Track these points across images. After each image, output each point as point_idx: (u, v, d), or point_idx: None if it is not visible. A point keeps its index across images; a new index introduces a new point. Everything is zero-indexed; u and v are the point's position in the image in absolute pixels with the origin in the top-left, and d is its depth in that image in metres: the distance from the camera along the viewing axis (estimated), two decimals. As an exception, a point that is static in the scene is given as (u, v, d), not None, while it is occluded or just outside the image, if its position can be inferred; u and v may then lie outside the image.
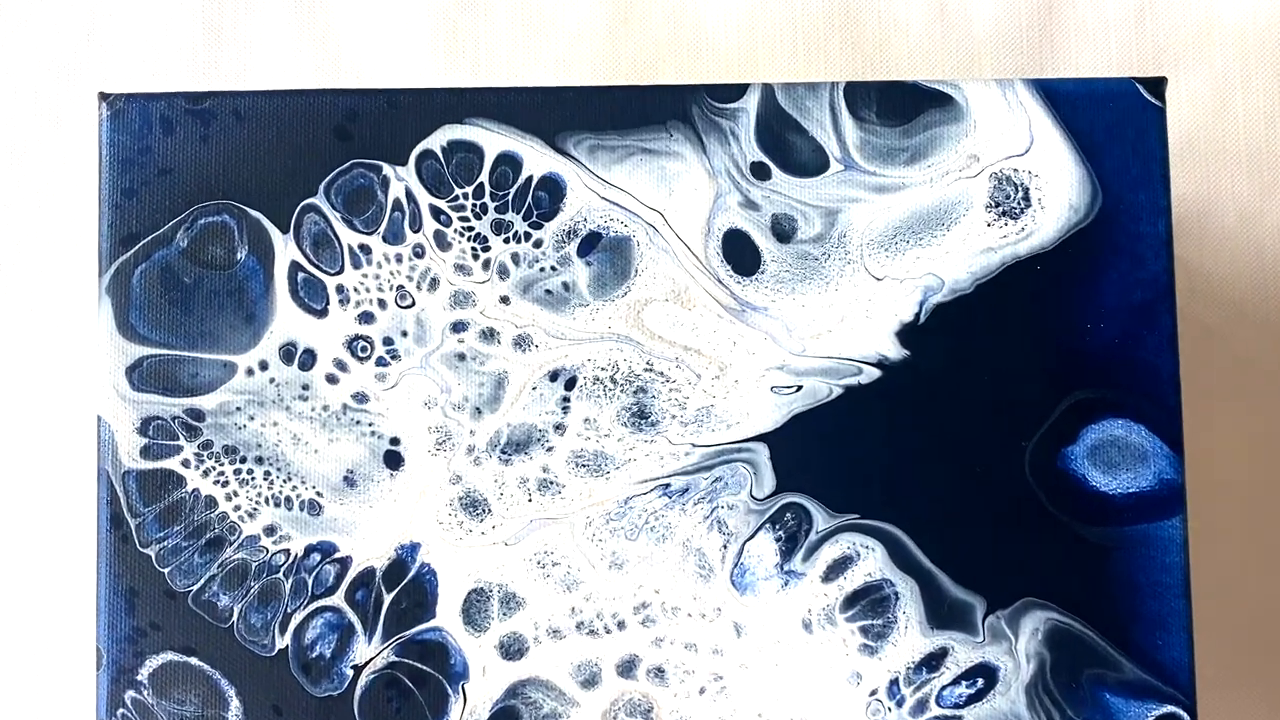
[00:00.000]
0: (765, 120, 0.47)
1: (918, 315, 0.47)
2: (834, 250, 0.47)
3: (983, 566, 0.46)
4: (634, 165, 0.47)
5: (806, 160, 0.47)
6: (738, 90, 0.46)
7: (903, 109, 0.47)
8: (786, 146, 0.47)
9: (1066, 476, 0.46)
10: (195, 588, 0.46)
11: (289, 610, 0.47)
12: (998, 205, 0.47)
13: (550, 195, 0.47)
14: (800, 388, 0.47)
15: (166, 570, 0.46)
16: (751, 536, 0.47)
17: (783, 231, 0.47)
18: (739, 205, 0.47)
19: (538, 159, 0.47)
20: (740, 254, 0.47)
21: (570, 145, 0.47)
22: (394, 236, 0.47)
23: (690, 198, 0.47)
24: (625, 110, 0.47)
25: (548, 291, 0.46)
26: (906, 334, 0.47)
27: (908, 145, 0.47)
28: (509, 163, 0.47)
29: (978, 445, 0.46)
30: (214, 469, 0.47)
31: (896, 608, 0.46)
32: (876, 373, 0.47)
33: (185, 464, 0.47)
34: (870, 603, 0.46)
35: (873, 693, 0.45)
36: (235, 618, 0.46)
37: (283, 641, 0.46)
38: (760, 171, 0.47)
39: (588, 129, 0.47)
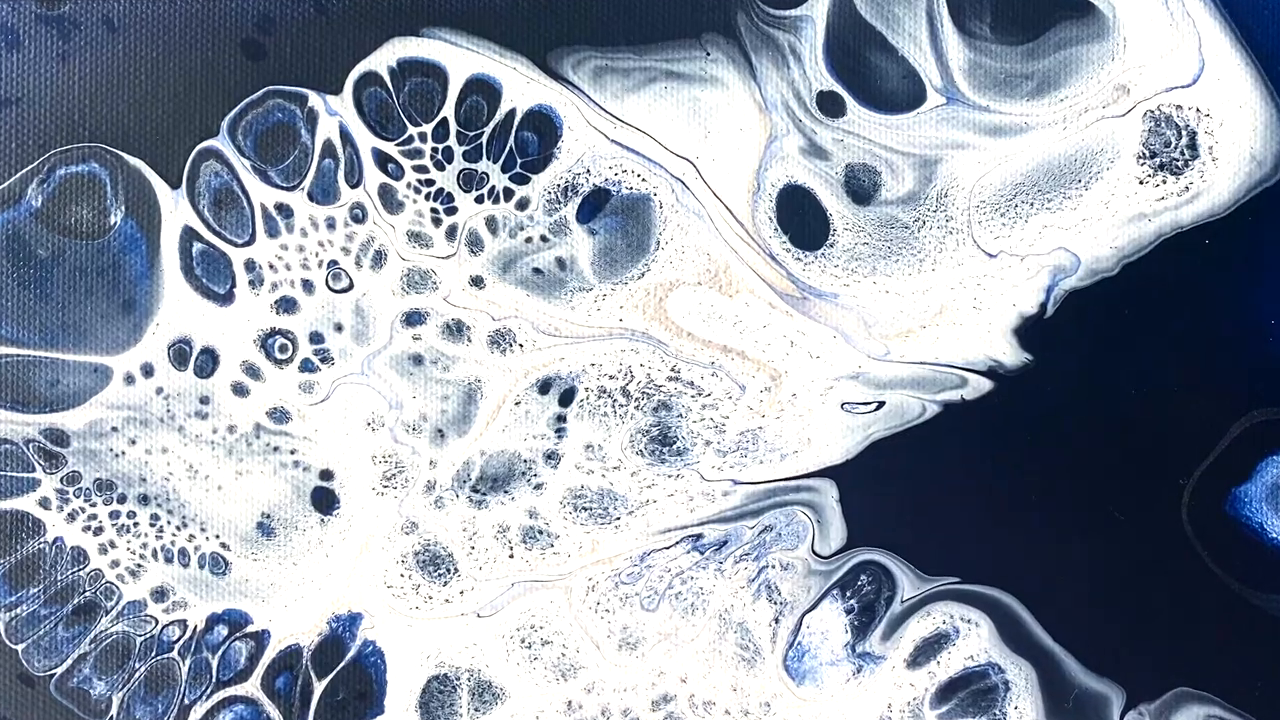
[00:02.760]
0: (838, 34, 0.42)
1: (1043, 306, 0.42)
2: (931, 215, 0.42)
3: (1122, 647, 0.42)
4: (656, 95, 0.42)
5: (894, 90, 0.42)
6: (801, -10, 0.42)
7: (1027, 20, 0.42)
8: (867, 71, 0.42)
9: (1237, 525, 0.42)
10: (60, 671, 0.42)
11: (186, 702, 0.42)
12: (1153, 156, 0.42)
13: (540, 137, 0.41)
14: (881, 404, 0.42)
15: (20, 647, 0.42)
16: (813, 607, 0.42)
17: (861, 189, 0.42)
18: (801, 152, 0.42)
19: (522, 86, 0.41)
20: (802, 220, 0.42)
21: (568, 67, 0.41)
22: (324, 193, 0.41)
23: (734, 141, 0.42)
24: (644, 18, 0.41)
25: (536, 271, 0.42)
26: (1028, 332, 0.42)
27: (1033, 71, 0.42)
28: (483, 91, 0.41)
29: (1120, 484, 0.42)
30: (83, 510, 0.42)
31: (1006, 702, 0.42)
32: (987, 384, 0.42)
33: (44, 503, 0.42)
34: (972, 695, 0.43)
35: (973, 818, 0.43)
36: (115, 711, 0.42)
37: None
38: (831, 105, 0.42)
39: (592, 44, 0.41)
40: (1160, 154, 0.42)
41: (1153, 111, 0.42)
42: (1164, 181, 0.42)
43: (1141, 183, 0.42)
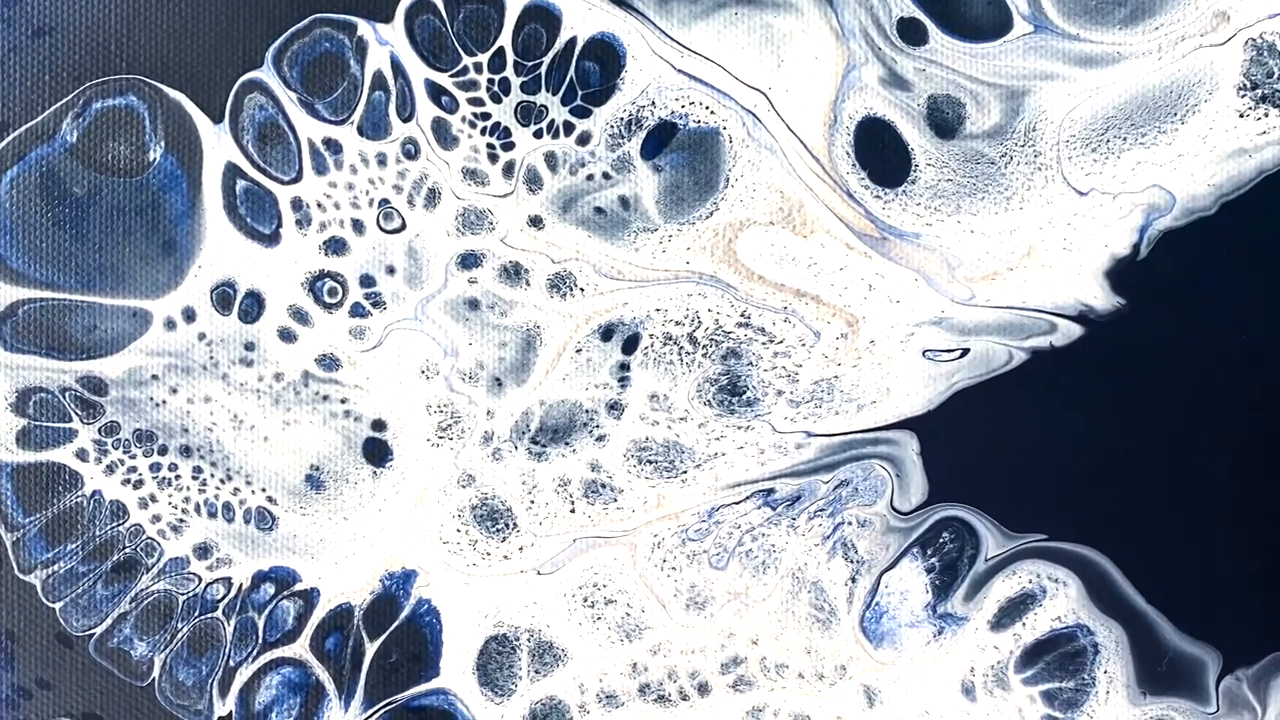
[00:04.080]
0: None
1: (1137, 247, 0.41)
2: (1018, 150, 0.41)
3: (1219, 608, 0.42)
4: (726, 22, 0.41)
5: (979, 17, 0.41)
6: (881, -91, 0.41)
7: (1120, -59, 0.41)
8: None
9: (1342, 480, 0.42)
10: (99, 631, 0.41)
11: (232, 664, 0.41)
12: (1255, 87, 0.41)
13: (602, 67, 0.41)
14: (966, 352, 0.41)
15: (58, 606, 0.41)
16: (891, 566, 0.42)
17: (944, 121, 0.41)
18: (880, 82, 0.41)
19: (583, 13, 0.41)
20: (881, 155, 0.41)
21: None
22: (374, 128, 0.41)
23: (808, 71, 0.41)
24: None
25: (598, 210, 0.41)
26: (1121, 274, 0.41)
27: (1126, -5, 0.41)
28: (541, 18, 0.41)
29: (1216, 436, 0.41)
30: (122, 463, 0.41)
31: (1095, 665, 0.42)
32: (1077, 330, 0.41)
33: (81, 455, 0.41)
34: (1059, 658, 0.42)
35: (1061, 788, 0.42)
36: (156, 673, 0.41)
37: (224, 707, 0.42)
38: (912, 32, 0.41)
39: None
40: (1262, 85, 0.41)
41: (1254, 40, 0.41)
42: (1266, 114, 0.41)
43: (1242, 116, 0.41)
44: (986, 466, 0.41)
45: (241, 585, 0.41)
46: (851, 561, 0.41)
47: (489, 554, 0.41)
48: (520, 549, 0.41)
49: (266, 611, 0.41)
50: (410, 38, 0.40)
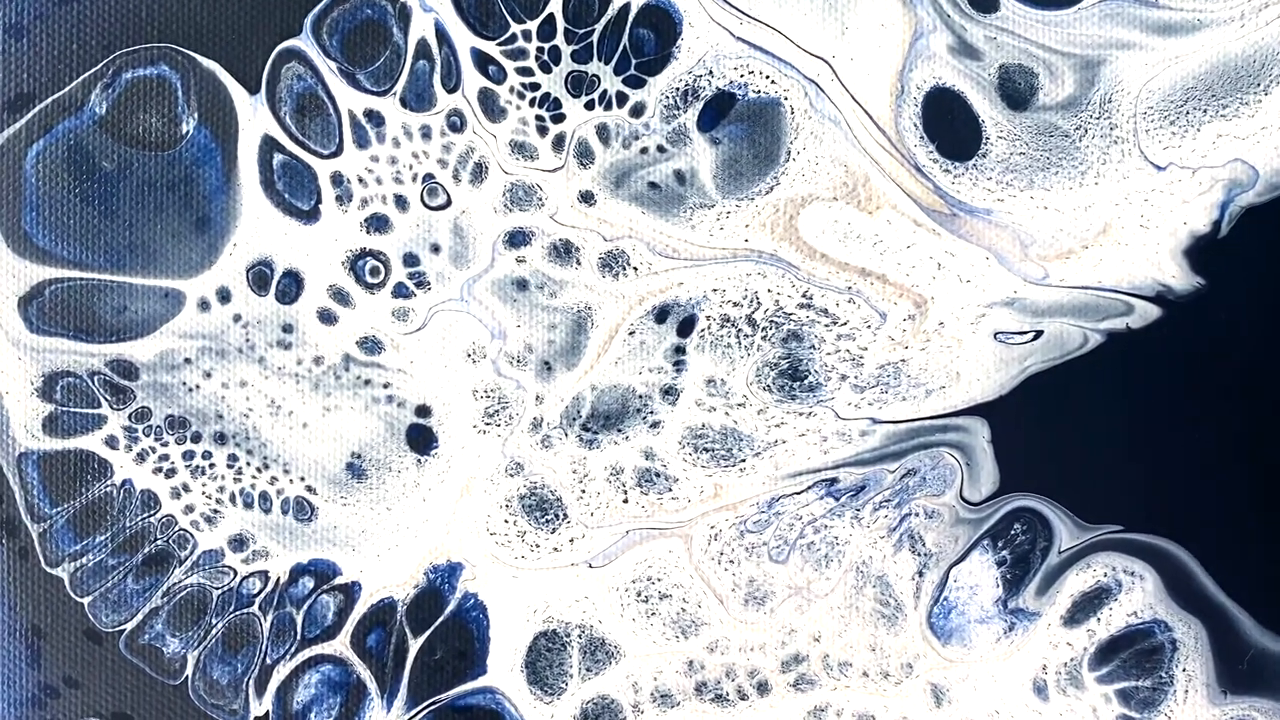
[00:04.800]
0: None
1: (1217, 225, 0.40)
2: (1093, 123, 0.40)
3: None
4: None
5: None
6: None
7: (1200, -97, 0.40)
8: None
9: None
10: (130, 626, 0.40)
11: (269, 661, 0.40)
12: None
13: (657, 34, 0.40)
14: (1039, 334, 0.40)
15: (87, 600, 0.40)
16: (961, 559, 0.41)
17: (1017, 92, 0.40)
18: (950, 51, 0.40)
19: None
20: (951, 127, 0.40)
21: None
22: (418, 99, 0.40)
23: (874, 38, 0.40)
24: None
25: (653, 185, 0.40)
26: (1201, 253, 0.40)
27: (1206, -40, 0.40)
28: None
29: None
30: (153, 450, 0.40)
31: (1173, 663, 0.41)
32: (1155, 311, 0.40)
33: (110, 443, 0.40)
34: (1135, 655, 0.41)
35: (1138, 792, 0.41)
36: (190, 671, 0.40)
37: (260, 707, 0.41)
38: None
39: None
40: (1348, 55, 0.39)
41: (1340, 7, 0.39)
42: (1352, 86, 0.39)
43: (1327, 87, 0.39)
44: (1060, 454, 0.40)
45: (279, 579, 0.40)
46: (919, 554, 0.40)
47: (538, 546, 0.40)
48: (571, 541, 0.40)
49: (305, 606, 0.40)
50: (456, 4, 0.39)
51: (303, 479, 0.40)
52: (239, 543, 0.40)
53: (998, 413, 0.40)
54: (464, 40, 0.39)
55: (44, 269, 0.39)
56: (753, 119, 0.39)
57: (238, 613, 0.40)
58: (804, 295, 0.39)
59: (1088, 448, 0.40)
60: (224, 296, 0.39)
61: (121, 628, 0.40)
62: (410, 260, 0.39)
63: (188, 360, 0.39)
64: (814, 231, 0.39)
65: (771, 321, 0.40)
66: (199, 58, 0.39)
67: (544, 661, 0.40)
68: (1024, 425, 0.40)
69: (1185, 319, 0.40)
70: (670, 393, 0.40)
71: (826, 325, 0.40)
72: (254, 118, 0.39)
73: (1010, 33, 0.39)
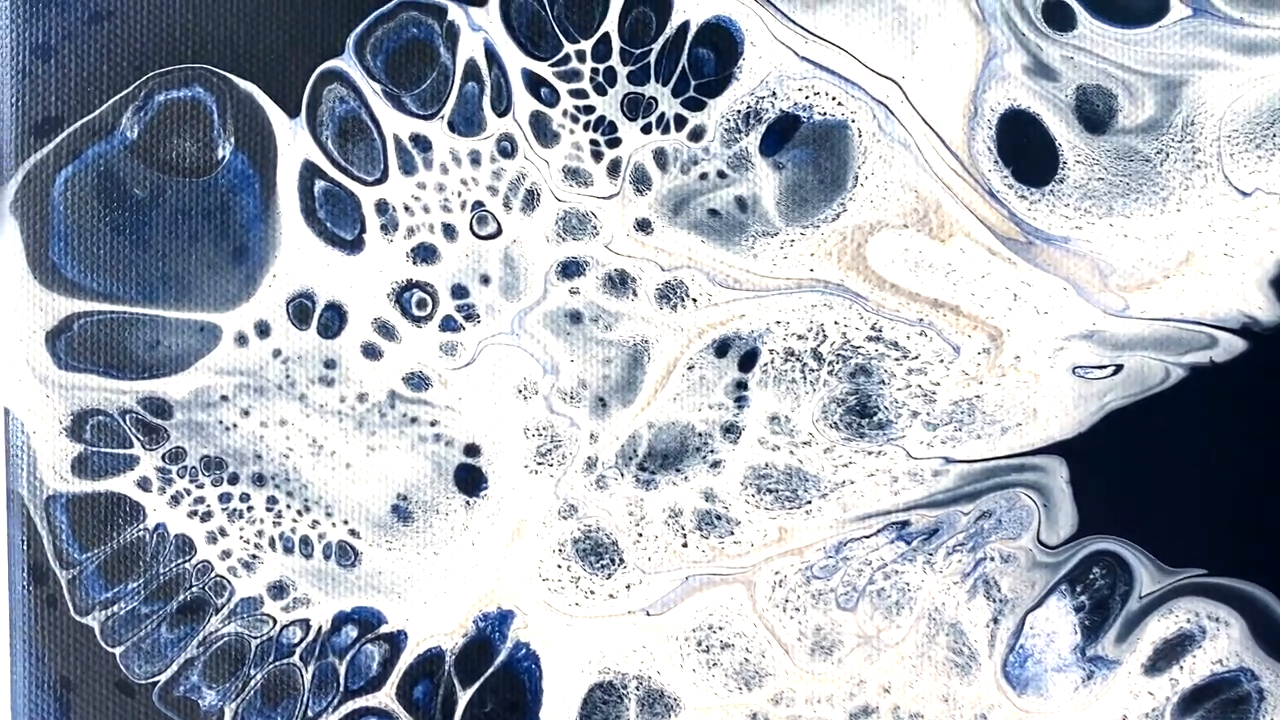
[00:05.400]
0: None
1: None
2: (1175, 146, 0.39)
3: None
4: (854, 4, 0.39)
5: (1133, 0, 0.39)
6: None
7: (1284, -85, 0.39)
8: None
9: None
10: (164, 678, 0.39)
11: (310, 714, 0.39)
12: None
13: (718, 54, 0.38)
14: (1119, 368, 0.39)
15: (119, 651, 0.39)
16: (1037, 605, 0.40)
17: (1094, 114, 0.39)
18: (1025, 71, 0.39)
19: None
20: (1027, 150, 0.39)
21: None
22: (467, 123, 0.38)
23: (946, 58, 0.38)
24: None
25: (713, 212, 0.39)
26: None
27: (1292, -25, 0.39)
28: (651, 1, 0.38)
29: None
30: (188, 493, 0.39)
31: (1261, 713, 0.40)
32: (1240, 344, 0.39)
33: (143, 485, 0.39)
34: (1220, 705, 0.40)
35: None
36: None
37: None
38: (1059, 16, 0.39)
39: None
40: None
41: None
42: None
43: None
44: (1141, 495, 0.39)
45: (321, 627, 0.38)
46: (994, 600, 0.39)
47: (593, 592, 0.39)
48: (627, 587, 0.39)
49: (349, 656, 0.38)
50: (506, 23, 0.38)
51: (346, 522, 0.38)
52: (279, 590, 0.38)
53: (1076, 451, 0.39)
54: (515, 61, 0.38)
55: (73, 302, 0.38)
56: (818, 142, 0.38)
57: (277, 663, 0.38)
58: (873, 328, 0.38)
59: (1170, 488, 0.39)
60: (263, 330, 0.38)
61: (155, 679, 0.38)
62: (459, 292, 0.38)
63: (224, 398, 0.38)
64: (883, 260, 0.38)
65: (838, 355, 0.38)
66: (235, 79, 0.38)
67: (599, 715, 0.39)
68: (1104, 464, 0.39)
69: (1272, 352, 0.39)
70: (732, 430, 0.38)
71: (897, 359, 0.38)
72: (294, 142, 0.38)
73: (1088, 52, 0.38)
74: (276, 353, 0.38)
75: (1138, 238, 0.38)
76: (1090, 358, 0.38)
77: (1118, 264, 0.38)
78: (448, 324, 0.38)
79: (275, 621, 0.38)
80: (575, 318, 0.38)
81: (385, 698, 0.38)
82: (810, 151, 0.38)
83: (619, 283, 0.38)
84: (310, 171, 0.38)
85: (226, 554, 0.38)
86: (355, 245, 0.38)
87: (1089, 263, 0.38)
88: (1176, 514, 0.39)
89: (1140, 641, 0.39)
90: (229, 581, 0.38)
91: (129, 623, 0.38)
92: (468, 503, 0.38)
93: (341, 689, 0.38)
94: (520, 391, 0.38)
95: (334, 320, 0.38)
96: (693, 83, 0.38)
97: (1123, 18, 0.38)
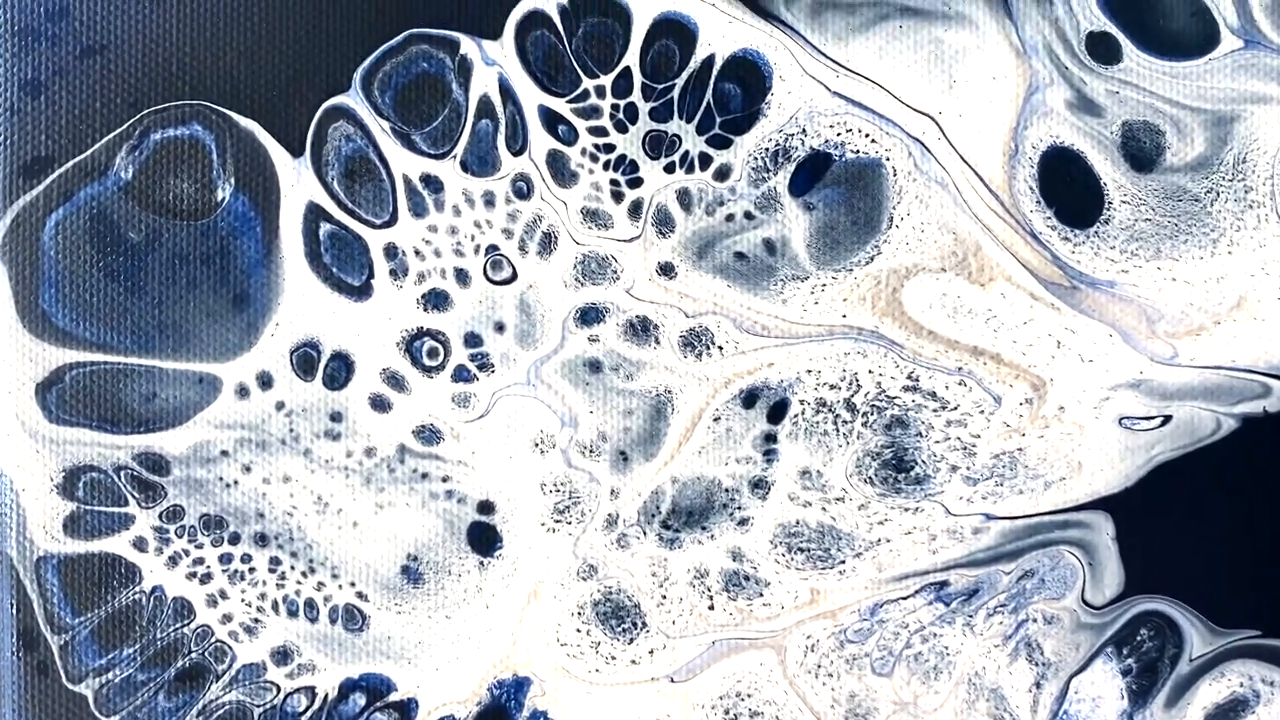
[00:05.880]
0: None
1: None
2: (1227, 185, 0.38)
3: None
4: (889, 37, 0.37)
5: (1182, 31, 0.37)
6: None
7: (1339, -59, 0.38)
8: (1147, 7, 0.37)
9: None
10: None
11: None
12: None
13: (745, 89, 0.37)
14: (1168, 419, 0.38)
15: None
16: (1083, 668, 0.38)
17: (1141, 152, 0.37)
18: (1068, 106, 0.37)
19: (723, 27, 0.37)
20: (1070, 190, 0.37)
21: (780, 2, 0.37)
22: (481, 162, 0.37)
23: (985, 93, 0.37)
24: None
25: (739, 255, 0.37)
26: None
27: (1347, 3, 0.38)
28: (674, 33, 0.37)
29: None
30: (186, 553, 0.37)
31: None
32: None
33: (139, 545, 0.37)
34: None
35: None
36: None
37: None
38: (1104, 49, 0.37)
39: None
40: None
41: None
42: None
43: None
44: (1191, 552, 0.37)
45: (327, 695, 0.37)
46: (1036, 664, 0.37)
47: (614, 658, 0.37)
48: (650, 652, 0.37)
49: (356, 726, 0.37)
50: (522, 57, 0.36)
51: (353, 584, 0.37)
52: (282, 655, 0.37)
53: (1123, 506, 0.37)
54: (531, 97, 0.36)
55: (64, 352, 0.36)
56: (851, 182, 0.36)
57: (281, 733, 0.37)
58: (909, 377, 0.37)
59: (1221, 544, 0.37)
60: (265, 382, 0.36)
61: (151, 750, 0.37)
62: (472, 340, 0.36)
63: (225, 453, 0.36)
64: (920, 306, 0.37)
65: (873, 406, 0.37)
66: (236, 116, 0.36)
67: (622, 786, 0.37)
68: (1152, 520, 0.37)
69: (1328, 401, 0.37)
70: (760, 486, 0.37)
71: (935, 410, 0.37)
72: (298, 183, 0.36)
73: (1134, 86, 0.37)
74: (280, 405, 0.36)
75: (1187, 281, 0.37)
76: (1137, 408, 0.37)
77: (1166, 309, 0.37)
78: (460, 374, 0.36)
79: (279, 689, 0.37)
80: (595, 367, 0.37)
81: (395, 769, 0.37)
82: (842, 191, 0.36)
83: (641, 330, 0.37)
84: (315, 214, 0.36)
85: (227, 618, 0.36)
86: (363, 291, 0.36)
87: (1136, 308, 0.37)
88: (1228, 572, 0.37)
89: (1191, 707, 0.37)
90: (230, 647, 0.36)
91: (124, 691, 0.36)
92: (481, 563, 0.37)
93: (349, 760, 0.37)
94: (537, 445, 0.37)
95: (340, 371, 0.36)
96: (718, 119, 0.36)
97: (1171, 50, 0.37)
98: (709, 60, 0.36)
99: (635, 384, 0.37)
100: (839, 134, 0.36)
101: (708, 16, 0.36)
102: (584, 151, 0.36)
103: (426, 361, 0.36)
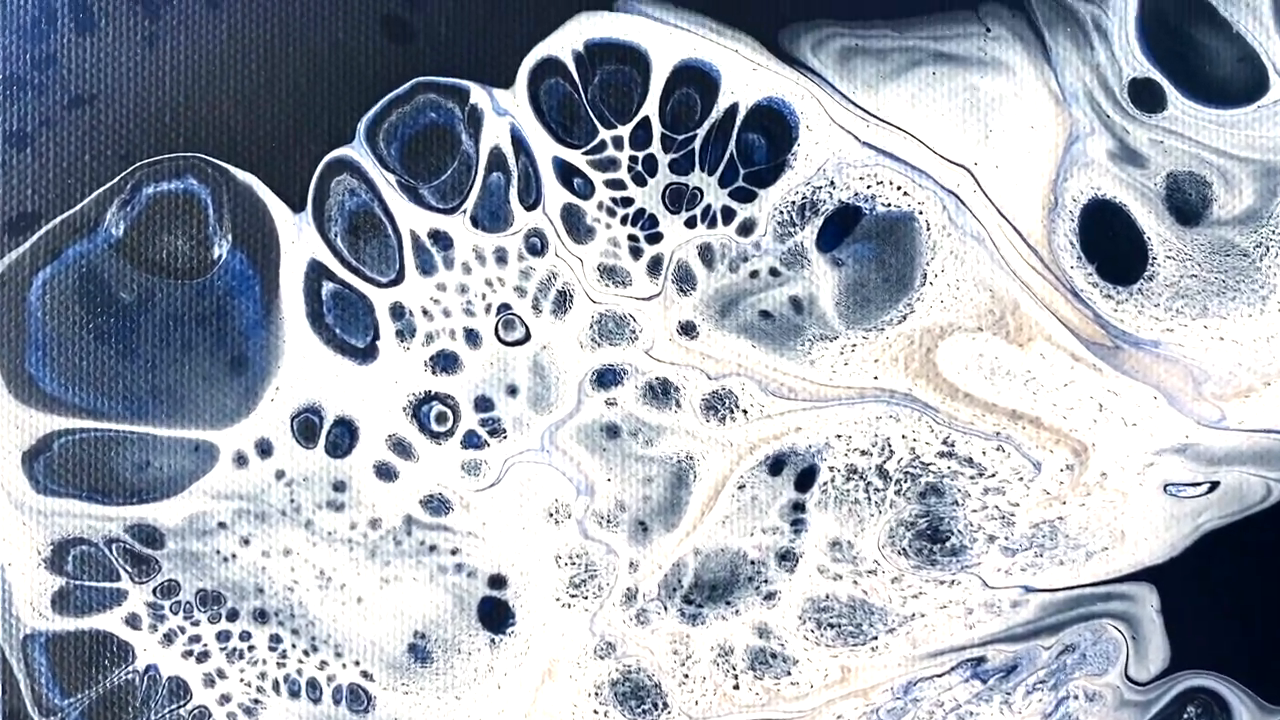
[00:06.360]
0: (1155, 3, 0.36)
1: None
2: (1277, 239, 0.36)
3: None
4: (921, 84, 0.36)
5: (1229, 77, 0.36)
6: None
7: (1391, -19, 0.36)
8: (1193, 52, 0.36)
9: None
10: None
11: None
12: None
13: (770, 139, 0.36)
14: (1215, 485, 0.37)
15: None
16: None
17: (1188, 204, 0.36)
18: (1110, 157, 0.36)
19: (747, 74, 0.35)
20: (1112, 245, 0.36)
21: (806, 48, 0.36)
22: (492, 217, 0.35)
23: (1023, 143, 0.36)
24: None
25: (765, 314, 0.36)
26: None
27: (1401, 47, 0.36)
28: (695, 81, 0.35)
29: None
30: (182, 630, 0.36)
31: None
32: None
33: (132, 622, 0.36)
34: None
35: None
36: None
37: None
38: (1148, 96, 0.36)
39: (837, 17, 0.36)
40: None
41: None
42: None
43: None
44: (1241, 625, 0.36)
45: (330, 781, 0.35)
46: (1079, 744, 0.36)
47: (634, 739, 0.35)
48: (672, 732, 0.35)
49: (361, 812, 0.35)
50: (535, 106, 0.35)
51: (357, 663, 0.35)
52: (283, 738, 0.35)
53: (1168, 578, 0.36)
54: (545, 148, 0.35)
55: (52, 418, 0.35)
56: (882, 237, 0.35)
57: (282, 820, 0.35)
58: (944, 442, 0.35)
59: (1271, 617, 0.36)
60: (264, 450, 0.35)
61: (145, 838, 0.35)
62: (483, 404, 0.35)
63: (222, 525, 0.35)
64: (955, 367, 0.35)
65: (906, 473, 0.35)
66: (233, 169, 0.35)
67: None
68: (1198, 592, 0.36)
69: (1383, 465, 0.36)
70: (788, 558, 0.35)
71: (971, 477, 0.35)
72: (298, 240, 0.35)
73: (1180, 135, 0.35)
74: (280, 474, 0.35)
75: (1235, 340, 0.35)
76: (1183, 474, 0.36)
77: (1213, 370, 0.35)
78: (470, 440, 0.35)
79: (280, 774, 0.35)
80: (612, 432, 0.35)
81: None
82: (873, 247, 0.35)
83: (661, 393, 0.35)
84: (317, 272, 0.35)
85: (226, 699, 0.35)
86: (367, 354, 0.35)
87: (1182, 369, 0.35)
88: (1278, 647, 0.36)
89: (1240, 787, 0.36)
90: (228, 729, 0.35)
91: (116, 776, 0.35)
92: (493, 640, 0.35)
93: None
94: (551, 515, 0.35)
95: (344, 438, 0.35)
96: (742, 171, 0.35)
97: (1218, 97, 0.35)
98: (732, 109, 0.35)
99: (655, 450, 0.35)
100: (869, 186, 0.35)
101: (730, 63, 0.34)
102: (601, 205, 0.35)
103: (435, 427, 0.35)
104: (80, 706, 0.35)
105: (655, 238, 0.35)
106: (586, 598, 0.35)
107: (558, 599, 0.35)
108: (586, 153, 0.35)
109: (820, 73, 0.35)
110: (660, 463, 0.35)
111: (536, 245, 0.35)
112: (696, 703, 0.35)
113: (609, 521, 0.35)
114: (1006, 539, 0.35)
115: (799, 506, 0.35)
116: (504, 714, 0.35)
